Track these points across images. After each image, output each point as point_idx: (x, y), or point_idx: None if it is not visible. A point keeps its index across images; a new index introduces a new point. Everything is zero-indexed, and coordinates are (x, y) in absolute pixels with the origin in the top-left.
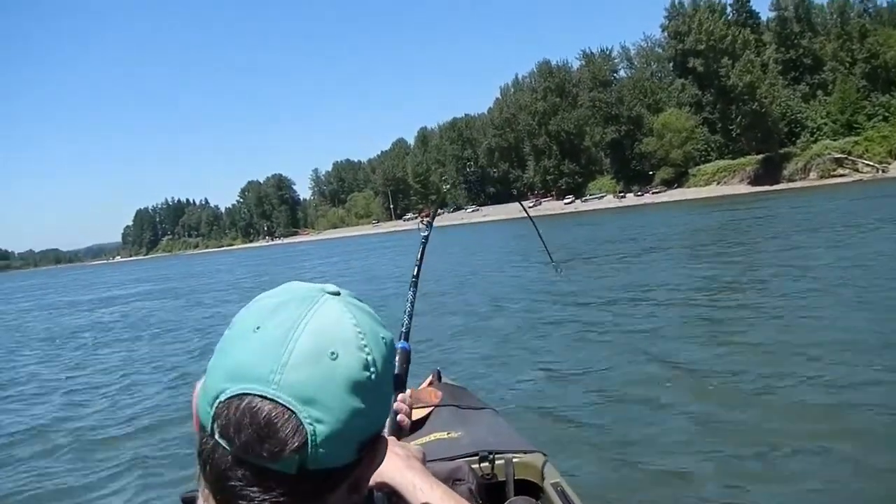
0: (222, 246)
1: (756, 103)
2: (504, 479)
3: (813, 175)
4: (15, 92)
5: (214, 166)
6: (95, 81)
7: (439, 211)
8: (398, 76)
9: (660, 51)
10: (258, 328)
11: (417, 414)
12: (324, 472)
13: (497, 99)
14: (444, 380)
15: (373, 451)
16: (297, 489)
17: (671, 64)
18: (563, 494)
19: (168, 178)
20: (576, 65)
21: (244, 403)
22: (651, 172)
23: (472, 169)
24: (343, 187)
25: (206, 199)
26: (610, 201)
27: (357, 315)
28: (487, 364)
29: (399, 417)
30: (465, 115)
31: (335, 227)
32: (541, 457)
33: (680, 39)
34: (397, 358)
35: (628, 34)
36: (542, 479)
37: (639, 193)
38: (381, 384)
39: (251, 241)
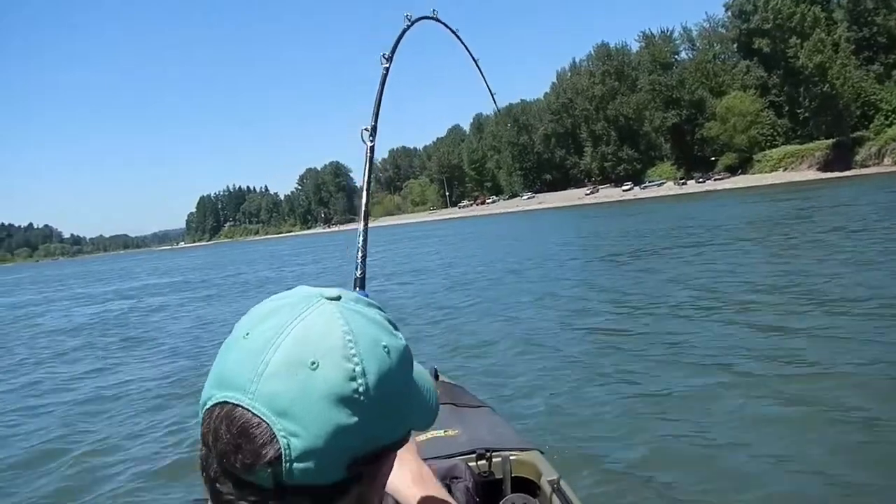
0: (281, 232)
1: (826, 85)
2: (501, 476)
3: (888, 161)
4: (87, 85)
5: (274, 153)
6: (160, 74)
7: (494, 198)
8: (454, 62)
9: (723, 31)
10: (247, 335)
11: None
12: (306, 489)
13: (553, 83)
14: (441, 378)
15: (375, 469)
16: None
17: (735, 45)
18: (560, 492)
19: (230, 165)
20: (635, 47)
21: (224, 411)
22: (713, 158)
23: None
24: (399, 174)
25: (265, 187)
26: (670, 188)
27: (353, 321)
28: (493, 360)
29: None
30: (521, 100)
31: (391, 214)
32: (538, 454)
33: (745, 19)
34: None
35: (690, 14)
36: (540, 476)
37: (700, 180)
38: (379, 397)
39: (309, 228)
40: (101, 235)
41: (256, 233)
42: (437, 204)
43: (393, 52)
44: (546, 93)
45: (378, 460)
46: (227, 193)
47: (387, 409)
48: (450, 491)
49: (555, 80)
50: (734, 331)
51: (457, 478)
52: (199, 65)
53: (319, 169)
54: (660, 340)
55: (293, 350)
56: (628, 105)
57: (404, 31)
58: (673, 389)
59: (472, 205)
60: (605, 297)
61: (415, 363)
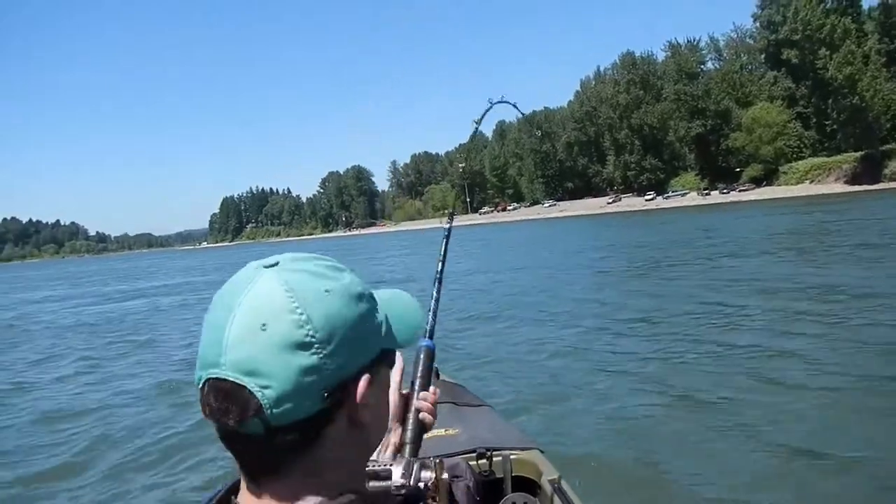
0: (302, 235)
1: (856, 97)
2: (502, 475)
3: None
4: (112, 85)
5: (297, 157)
6: (186, 74)
7: (515, 205)
8: (477, 68)
9: (751, 41)
10: (211, 318)
11: None
12: (295, 424)
13: (577, 91)
14: (442, 377)
15: (353, 392)
16: (276, 443)
17: (763, 55)
18: (560, 491)
19: (253, 167)
20: (661, 56)
21: (209, 386)
22: (738, 169)
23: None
24: (420, 179)
25: (288, 189)
26: (693, 199)
27: (291, 279)
28: (494, 360)
29: (421, 416)
30: (545, 108)
31: (412, 220)
32: (538, 454)
33: (773, 29)
34: (422, 355)
35: (717, 25)
36: (539, 475)
37: (725, 191)
38: (331, 334)
39: (330, 231)
40: (125, 234)
41: (278, 234)
42: (458, 210)
43: (452, 217)
44: (570, 101)
45: (353, 384)
46: (250, 195)
47: (343, 341)
48: (450, 490)
49: (578, 88)
50: (739, 340)
51: (457, 477)
52: (222, 65)
53: (342, 173)
54: (665, 347)
55: (245, 320)
56: (653, 114)
57: (486, 112)
58: (675, 392)
59: (492, 211)
60: (615, 303)
61: (379, 290)
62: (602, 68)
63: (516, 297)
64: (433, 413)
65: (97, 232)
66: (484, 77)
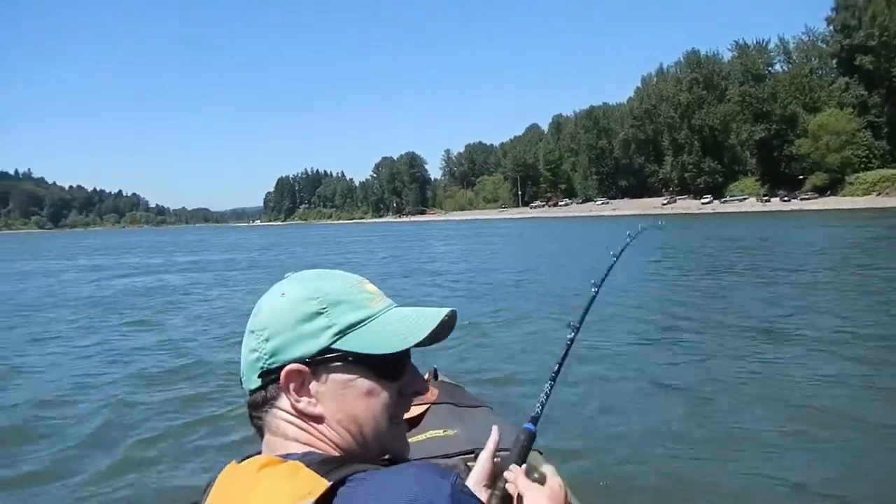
0: (353, 219)
1: None
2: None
3: None
4: (179, 67)
5: (352, 140)
6: (249, 55)
7: (567, 200)
8: (535, 60)
9: (823, 45)
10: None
11: (414, 411)
12: (251, 397)
13: (638, 88)
14: (440, 378)
15: (287, 378)
16: (249, 406)
17: (835, 60)
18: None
19: (309, 148)
20: (727, 56)
21: None
22: (801, 177)
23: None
24: (473, 170)
25: (342, 172)
26: (752, 205)
27: (280, 284)
28: (497, 361)
29: (507, 485)
30: (604, 103)
31: (462, 210)
32: (537, 455)
33: (847, 34)
34: (521, 436)
35: (788, 27)
36: None
37: (786, 199)
38: (268, 325)
39: (380, 217)
40: (183, 207)
41: (329, 217)
42: (508, 202)
43: (580, 322)
44: (630, 97)
45: (282, 370)
46: (304, 176)
47: (277, 333)
48: None
49: (639, 84)
50: (783, 359)
51: None
52: (284, 47)
53: (395, 158)
54: (682, 352)
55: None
56: (715, 115)
57: (588, 306)
58: (691, 402)
59: (544, 206)
60: (647, 308)
61: (372, 301)
62: (665, 66)
63: (539, 296)
64: (516, 492)
65: (157, 204)
66: (543, 70)
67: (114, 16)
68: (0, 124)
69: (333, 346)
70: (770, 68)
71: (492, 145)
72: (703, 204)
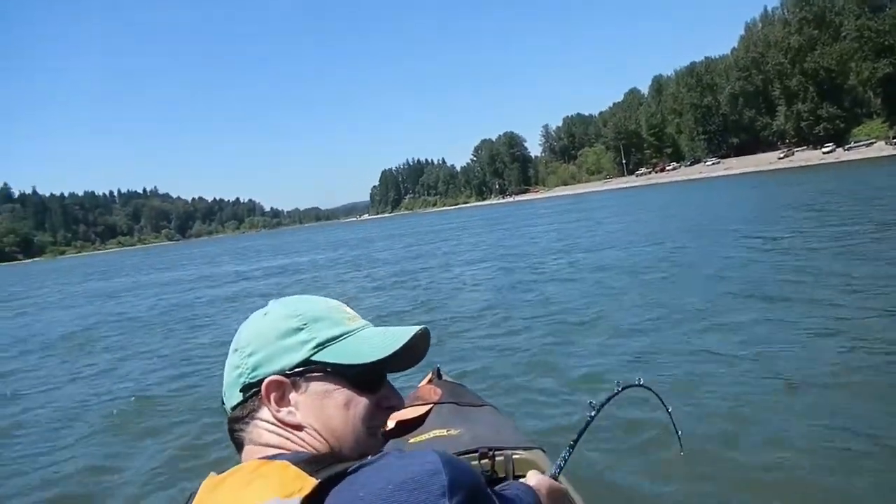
0: (457, 204)
1: None
2: (504, 475)
3: None
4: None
5: (450, 126)
6: (349, 58)
7: (674, 164)
8: (629, 21)
9: None
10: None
11: (417, 411)
12: (232, 412)
13: (742, 37)
14: (443, 377)
15: (267, 391)
16: (235, 415)
17: None
18: None
19: (409, 138)
20: None
21: None
22: None
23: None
24: (573, 143)
25: (442, 159)
26: (881, 149)
27: (268, 306)
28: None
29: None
30: (705, 58)
31: (565, 184)
32: (541, 453)
33: None
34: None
35: None
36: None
37: None
38: (251, 342)
39: (484, 199)
40: (296, 208)
41: (434, 204)
42: (612, 172)
43: (601, 407)
44: (733, 48)
45: (259, 386)
46: (406, 167)
47: (258, 349)
48: None
49: (743, 32)
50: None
51: None
52: (378, 42)
53: (494, 140)
54: (731, 339)
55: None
56: (830, 56)
57: (613, 396)
58: (691, 388)
59: (650, 172)
60: (742, 279)
61: (347, 323)
62: (770, 8)
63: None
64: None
65: (271, 208)
66: (639, 30)
67: (224, 35)
68: (129, 147)
69: (313, 359)
70: None
71: (590, 115)
72: (824, 153)
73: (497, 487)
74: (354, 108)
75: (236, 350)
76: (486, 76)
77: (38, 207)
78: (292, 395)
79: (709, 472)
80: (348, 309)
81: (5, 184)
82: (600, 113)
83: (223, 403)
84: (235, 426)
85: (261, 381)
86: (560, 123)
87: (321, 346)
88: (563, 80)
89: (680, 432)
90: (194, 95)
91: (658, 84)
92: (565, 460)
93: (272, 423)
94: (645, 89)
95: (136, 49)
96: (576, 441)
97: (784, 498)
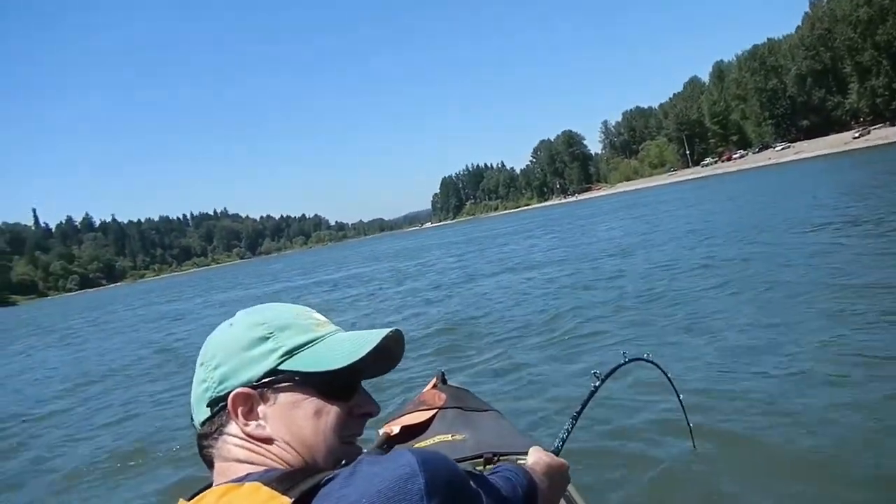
0: (519, 206)
1: None
2: None
3: None
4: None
5: (508, 129)
6: (401, 70)
7: (741, 152)
8: (686, 7)
9: None
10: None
11: (422, 416)
12: (203, 423)
13: (806, 14)
14: (448, 382)
15: (235, 405)
16: (204, 431)
17: None
18: (567, 496)
19: (469, 145)
20: None
21: None
22: None
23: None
24: (634, 137)
25: (502, 163)
26: None
27: (218, 328)
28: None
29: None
30: (768, 39)
31: (628, 180)
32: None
33: None
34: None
35: None
36: None
37: None
38: (216, 354)
39: (545, 200)
40: (360, 220)
41: (496, 209)
42: (676, 164)
43: (606, 377)
44: (798, 26)
45: (225, 401)
46: (466, 172)
47: (224, 361)
48: None
49: (808, 9)
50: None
51: None
52: (434, 53)
53: (552, 140)
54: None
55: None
56: None
57: (619, 366)
58: (696, 390)
59: (716, 162)
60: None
61: (317, 328)
62: None
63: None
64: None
65: (336, 221)
66: (696, 16)
67: (286, 57)
68: (194, 171)
69: (280, 368)
70: None
71: (650, 108)
72: None
73: (487, 471)
74: (415, 120)
75: (202, 364)
76: (542, 74)
77: (117, 234)
78: (261, 408)
79: (716, 455)
80: (317, 314)
81: (87, 213)
82: (660, 105)
83: (192, 420)
84: (204, 443)
85: (228, 394)
86: (619, 118)
87: (288, 354)
88: (621, 73)
89: (688, 416)
90: (262, 118)
91: (719, 70)
92: (568, 432)
93: (241, 438)
94: (705, 77)
95: (197, 80)
96: (579, 412)
97: (798, 477)
